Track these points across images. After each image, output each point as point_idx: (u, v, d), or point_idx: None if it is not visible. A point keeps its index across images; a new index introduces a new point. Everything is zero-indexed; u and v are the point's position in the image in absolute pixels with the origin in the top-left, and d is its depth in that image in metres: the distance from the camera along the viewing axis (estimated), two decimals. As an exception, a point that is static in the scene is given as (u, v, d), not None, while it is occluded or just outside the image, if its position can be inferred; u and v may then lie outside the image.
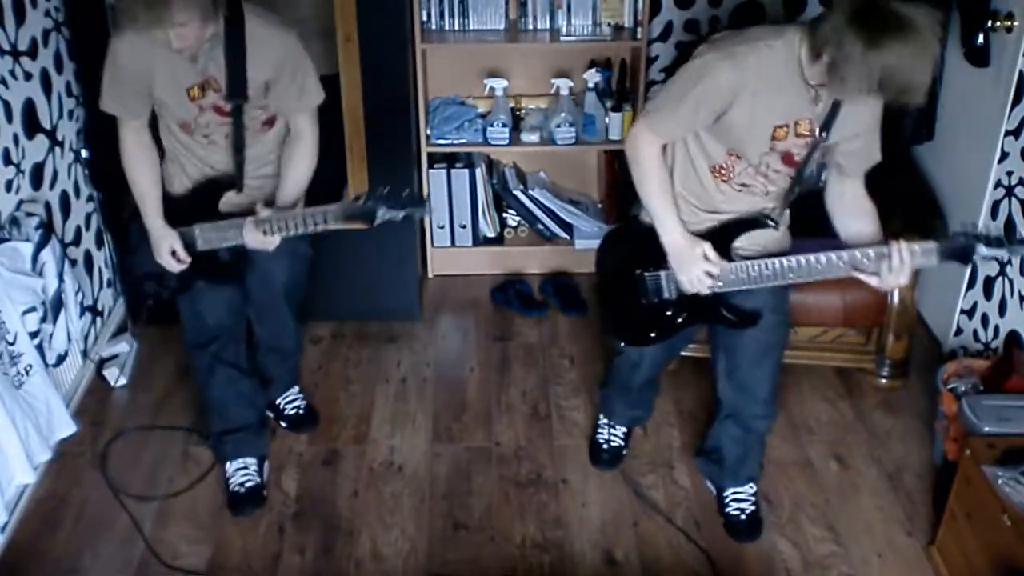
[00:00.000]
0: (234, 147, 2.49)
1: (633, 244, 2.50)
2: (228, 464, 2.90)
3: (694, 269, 2.35)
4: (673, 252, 2.37)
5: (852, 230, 2.33)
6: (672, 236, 2.36)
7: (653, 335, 2.57)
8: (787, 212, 2.42)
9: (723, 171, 2.31)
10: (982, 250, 2.17)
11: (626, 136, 2.41)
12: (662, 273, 2.44)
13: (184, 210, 2.56)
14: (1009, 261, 2.19)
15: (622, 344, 2.72)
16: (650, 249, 2.41)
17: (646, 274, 2.47)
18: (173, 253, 2.54)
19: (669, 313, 2.49)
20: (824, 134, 2.20)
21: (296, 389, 3.20)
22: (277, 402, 3.16)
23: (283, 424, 3.15)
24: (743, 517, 2.78)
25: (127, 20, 2.18)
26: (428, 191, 3.84)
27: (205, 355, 2.77)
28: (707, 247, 2.34)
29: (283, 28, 2.42)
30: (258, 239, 2.47)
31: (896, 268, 2.20)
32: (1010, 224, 2.58)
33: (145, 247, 2.58)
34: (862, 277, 2.24)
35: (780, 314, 2.55)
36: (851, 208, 2.36)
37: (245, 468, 2.88)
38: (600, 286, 2.72)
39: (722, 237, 2.36)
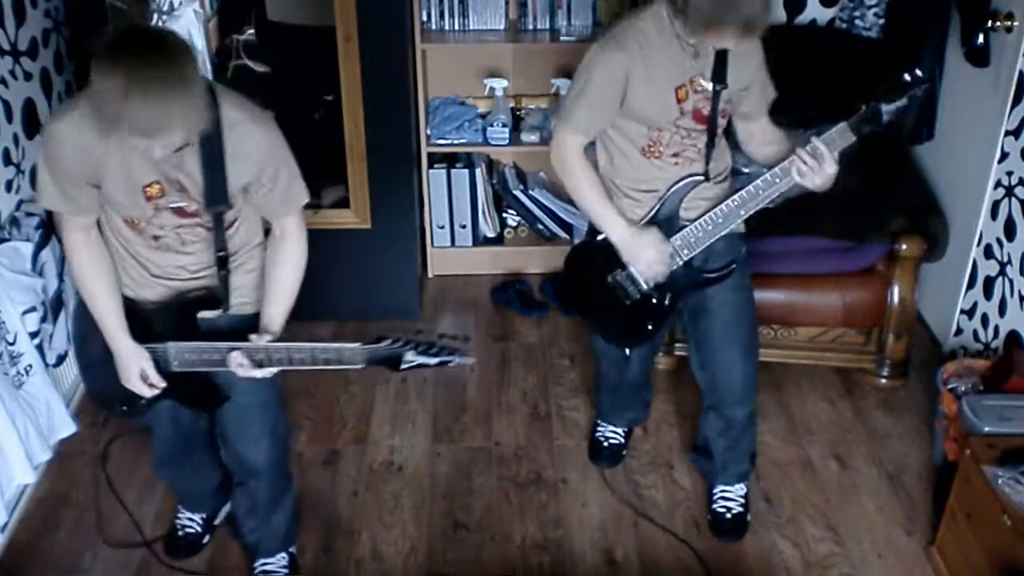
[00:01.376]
0: (216, 261, 2.15)
1: (593, 257, 2.55)
2: (179, 506, 2.75)
3: (645, 256, 2.43)
4: (623, 247, 2.45)
5: (770, 156, 2.44)
6: (619, 231, 2.44)
7: (650, 327, 2.60)
8: (722, 170, 2.51)
9: (652, 148, 2.41)
10: (885, 107, 2.28)
11: (551, 151, 2.48)
12: (630, 269, 2.50)
13: (152, 324, 2.20)
14: (912, 98, 2.33)
15: (627, 351, 2.74)
16: (610, 253, 2.48)
17: (617, 277, 2.52)
18: (143, 376, 2.20)
19: (655, 301, 2.54)
20: (722, 84, 2.32)
21: (284, 558, 2.62)
22: (254, 565, 2.63)
23: None
24: (728, 516, 2.78)
25: (100, 116, 1.80)
26: (429, 192, 3.84)
27: (156, 444, 2.56)
28: (654, 232, 2.43)
29: (260, 115, 2.08)
30: (252, 371, 2.13)
31: (817, 161, 2.29)
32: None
33: (110, 364, 2.21)
34: (800, 182, 2.32)
35: (743, 290, 2.59)
36: (762, 139, 2.50)
37: (191, 517, 2.73)
38: (581, 310, 2.77)
39: (667, 215, 2.44)
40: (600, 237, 2.50)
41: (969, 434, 2.55)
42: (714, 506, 2.81)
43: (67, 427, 2.79)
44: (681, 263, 2.46)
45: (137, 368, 2.19)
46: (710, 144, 2.41)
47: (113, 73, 1.75)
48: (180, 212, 2.08)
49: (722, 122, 2.41)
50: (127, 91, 1.73)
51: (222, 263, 2.16)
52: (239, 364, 2.12)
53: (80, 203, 2.06)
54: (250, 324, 2.20)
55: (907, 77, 2.30)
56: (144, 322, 2.20)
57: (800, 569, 2.69)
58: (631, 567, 2.70)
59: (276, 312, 2.19)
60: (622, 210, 2.46)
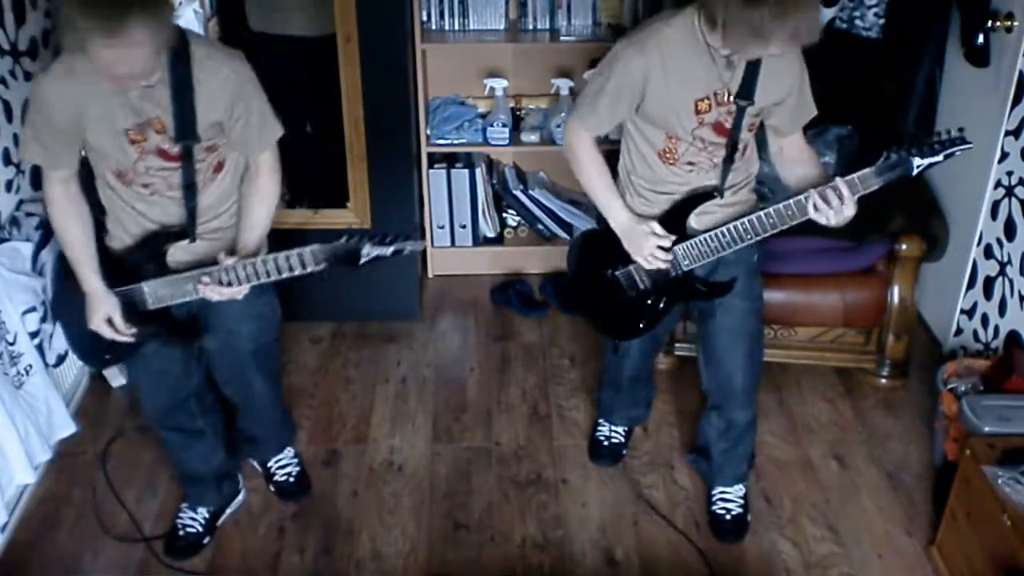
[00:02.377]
0: (184, 193, 2.24)
1: (596, 249, 2.56)
2: (182, 505, 2.79)
3: (645, 246, 2.41)
4: (624, 234, 2.45)
5: (799, 177, 2.40)
6: (620, 219, 2.44)
7: (642, 325, 2.61)
8: (739, 184, 2.47)
9: (669, 154, 2.38)
10: (918, 160, 2.21)
11: (563, 138, 2.51)
12: (632, 267, 2.50)
13: (127, 267, 2.31)
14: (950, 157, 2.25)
15: (616, 342, 2.75)
16: (613, 248, 2.48)
17: (618, 272, 2.53)
18: (109, 321, 2.30)
19: (650, 302, 2.55)
20: (747, 101, 2.26)
21: (290, 452, 2.95)
22: (268, 464, 2.93)
23: (271, 488, 2.92)
24: (728, 517, 2.78)
25: (67, 32, 1.89)
26: (429, 192, 3.84)
27: (155, 424, 2.67)
28: (654, 224, 2.41)
29: (231, 54, 2.20)
30: (223, 291, 2.23)
31: (837, 205, 2.24)
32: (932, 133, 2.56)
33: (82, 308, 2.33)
34: (814, 217, 2.27)
35: (751, 299, 2.58)
36: (793, 159, 2.43)
37: (193, 516, 2.75)
38: (580, 296, 2.76)
39: (675, 216, 2.43)
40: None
41: (969, 434, 2.55)
42: (713, 508, 2.81)
43: (67, 427, 2.79)
44: (681, 272, 2.45)
45: (103, 312, 2.29)
46: (728, 160, 2.37)
47: None
48: (163, 154, 2.17)
49: (747, 136, 2.37)
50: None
51: (190, 194, 2.24)
52: (207, 286, 2.22)
53: (60, 157, 2.19)
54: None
55: (949, 133, 2.21)
56: (124, 266, 2.31)
57: (800, 569, 2.69)
58: (631, 567, 2.70)
59: (251, 238, 2.31)
60: (634, 207, 2.46)
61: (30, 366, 2.65)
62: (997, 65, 3.03)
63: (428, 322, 3.75)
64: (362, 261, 2.19)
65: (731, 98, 2.27)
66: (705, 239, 2.39)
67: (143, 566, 2.69)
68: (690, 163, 2.39)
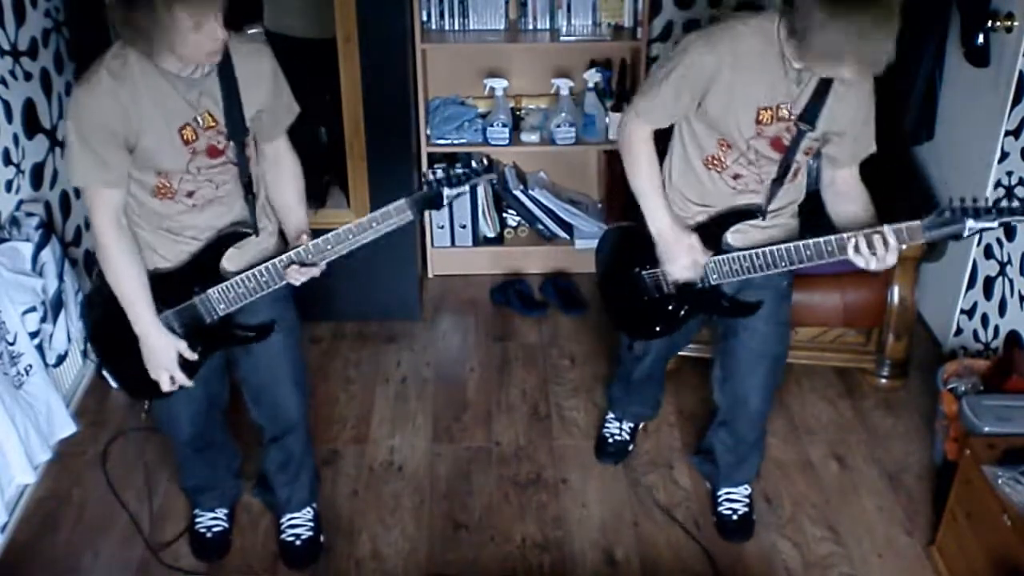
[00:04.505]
0: (243, 186, 2.21)
1: (630, 243, 2.52)
2: (197, 509, 2.76)
3: (680, 259, 2.37)
4: (661, 241, 2.38)
5: (845, 215, 2.33)
6: (660, 225, 2.37)
7: (658, 329, 2.59)
8: (783, 208, 2.41)
9: (716, 162, 2.31)
10: (971, 224, 2.11)
11: (618, 129, 2.44)
12: (659, 269, 2.46)
13: (180, 281, 2.23)
14: (1005, 226, 2.16)
15: (631, 340, 2.75)
16: (646, 247, 2.43)
17: (644, 272, 2.50)
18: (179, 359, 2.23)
19: (671, 307, 2.52)
20: (809, 126, 2.20)
21: (308, 513, 2.72)
22: (280, 520, 2.73)
23: (276, 545, 2.73)
24: (735, 517, 2.78)
25: (154, 30, 1.85)
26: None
27: (182, 448, 2.61)
28: (694, 239, 2.35)
29: (258, 42, 2.22)
30: (305, 271, 2.20)
31: (882, 252, 2.19)
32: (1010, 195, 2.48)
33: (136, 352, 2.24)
34: (853, 259, 2.22)
35: (776, 324, 2.54)
36: (843, 193, 2.36)
37: (215, 516, 2.74)
38: (602, 286, 2.73)
39: (713, 230, 2.38)
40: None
41: (969, 434, 2.55)
42: (720, 508, 2.81)
43: (67, 427, 2.79)
44: (709, 285, 2.41)
45: (171, 351, 2.23)
46: (778, 181, 2.30)
47: None
48: (213, 151, 2.13)
49: (802, 159, 2.30)
50: None
51: (248, 188, 2.22)
52: (296, 271, 2.19)
53: (114, 171, 2.06)
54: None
55: (1010, 201, 2.09)
56: (173, 284, 2.22)
57: (800, 569, 2.69)
58: (631, 567, 2.70)
59: (303, 215, 2.34)
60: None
61: (30, 366, 2.64)
62: (997, 65, 3.03)
63: (428, 322, 3.75)
64: (445, 202, 2.21)
65: (793, 117, 2.19)
66: (738, 257, 2.33)
67: (143, 566, 2.69)
68: (736, 175, 2.31)
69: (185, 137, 2.07)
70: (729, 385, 2.62)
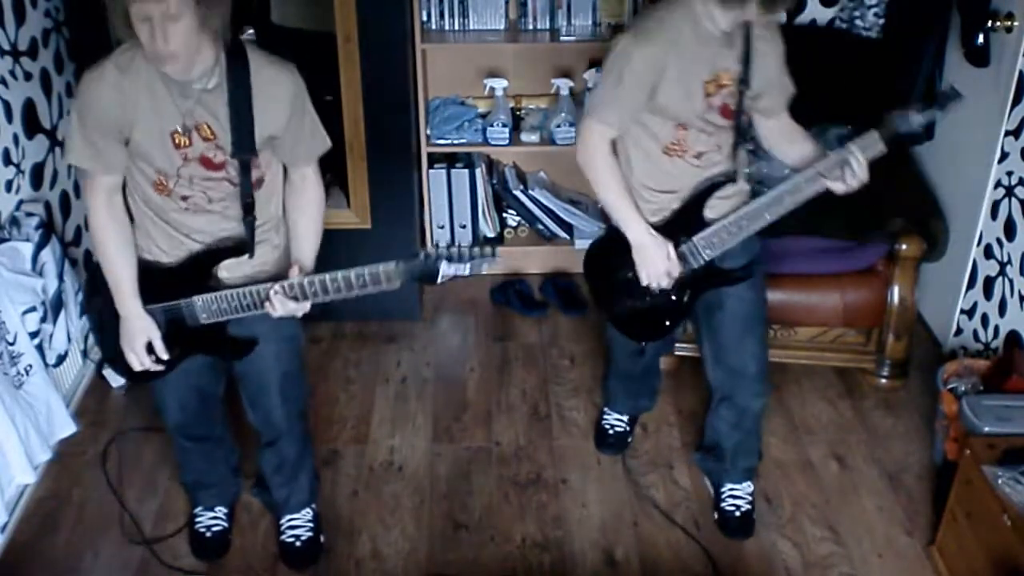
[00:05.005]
0: (243, 207, 2.19)
1: (615, 252, 2.54)
2: (197, 508, 2.76)
3: (654, 264, 2.44)
4: (638, 248, 2.45)
5: (794, 155, 2.46)
6: (636, 232, 2.44)
7: (668, 323, 2.62)
8: (743, 166, 2.50)
9: (676, 147, 2.39)
10: (917, 119, 2.26)
11: (577, 143, 2.48)
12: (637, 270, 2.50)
13: (173, 281, 2.25)
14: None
15: (644, 344, 2.76)
16: (627, 250, 2.48)
17: (636, 273, 2.52)
18: (148, 347, 2.25)
19: (674, 298, 2.54)
20: (745, 85, 2.34)
21: (308, 514, 2.73)
22: (280, 521, 2.74)
23: (276, 545, 2.73)
24: (737, 514, 2.79)
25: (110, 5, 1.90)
26: (429, 192, 3.84)
27: (175, 436, 2.62)
28: (670, 247, 2.43)
29: (286, 64, 2.16)
30: (289, 307, 2.17)
31: (851, 170, 2.30)
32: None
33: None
34: (831, 187, 2.34)
35: (756, 289, 2.60)
36: (785, 136, 2.50)
37: (214, 515, 2.75)
38: (602, 303, 2.75)
39: (692, 210, 2.44)
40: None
41: (969, 434, 2.55)
42: (723, 505, 2.81)
43: (67, 427, 2.79)
44: (703, 263, 2.46)
45: (143, 337, 2.25)
46: (737, 142, 2.41)
47: None
48: (208, 163, 2.12)
49: (745, 119, 2.41)
50: None
51: (248, 209, 2.20)
52: (279, 302, 2.15)
53: (107, 159, 2.12)
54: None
55: (945, 89, 2.28)
56: (166, 281, 2.24)
57: (800, 569, 2.69)
58: (631, 567, 2.70)
59: (307, 249, 2.28)
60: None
61: (30, 366, 2.64)
62: (997, 65, 3.03)
63: (428, 322, 3.75)
64: (440, 280, 2.11)
65: (732, 82, 2.32)
66: (726, 224, 2.41)
67: (143, 566, 2.69)
68: (698, 155, 2.40)
69: (176, 142, 2.09)
70: (724, 358, 2.64)
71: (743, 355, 2.61)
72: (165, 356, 2.28)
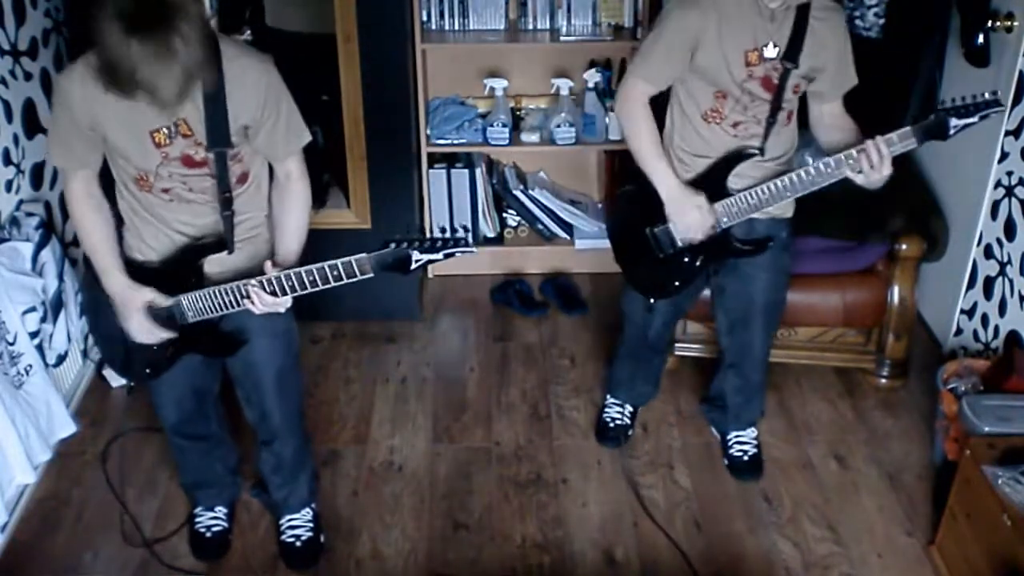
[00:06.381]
0: (221, 202, 2.17)
1: (639, 205, 2.60)
2: (197, 508, 2.76)
3: (690, 217, 2.49)
4: (669, 201, 2.50)
5: (834, 142, 2.48)
6: (667, 185, 2.50)
7: (677, 284, 2.67)
8: (777, 157, 2.52)
9: (715, 113, 2.45)
10: (954, 122, 2.30)
11: (616, 97, 2.57)
12: (670, 225, 2.55)
13: (160, 281, 2.22)
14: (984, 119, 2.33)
15: (651, 300, 2.78)
16: (655, 206, 2.53)
17: (656, 230, 2.58)
18: (148, 310, 2.22)
19: (687, 259, 2.60)
20: (792, 64, 2.36)
21: (308, 514, 2.73)
22: (280, 521, 2.74)
23: (277, 545, 2.73)
24: (745, 458, 2.97)
25: (114, 61, 1.83)
26: (429, 192, 3.84)
27: (172, 435, 2.62)
28: (702, 198, 2.48)
29: (260, 55, 2.14)
30: (267, 301, 2.15)
31: (877, 161, 2.34)
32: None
33: (112, 314, 2.26)
34: (852, 177, 2.38)
35: (776, 272, 2.69)
36: (832, 124, 2.53)
37: (214, 515, 2.75)
38: (617, 251, 2.79)
39: (716, 175, 2.49)
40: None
41: (969, 434, 2.55)
42: (730, 451, 2.99)
43: (67, 427, 2.79)
44: (720, 230, 2.51)
45: (138, 302, 2.21)
46: (772, 118, 2.44)
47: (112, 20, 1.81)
48: (187, 160, 2.11)
49: (791, 98, 2.44)
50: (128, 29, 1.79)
51: (227, 204, 2.18)
52: (256, 297, 2.14)
53: (81, 156, 2.15)
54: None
55: (984, 96, 2.30)
56: (155, 282, 2.23)
57: (800, 569, 2.69)
58: (631, 567, 2.70)
59: (291, 246, 2.26)
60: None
61: (30, 366, 2.64)
62: (997, 65, 3.03)
63: (428, 322, 3.75)
64: (413, 267, 2.11)
65: (772, 54, 2.35)
66: (745, 195, 2.46)
67: (143, 566, 2.69)
68: (735, 124, 2.45)
69: (157, 140, 2.07)
70: (736, 334, 2.80)
71: (752, 334, 2.78)
72: (166, 304, 2.22)
